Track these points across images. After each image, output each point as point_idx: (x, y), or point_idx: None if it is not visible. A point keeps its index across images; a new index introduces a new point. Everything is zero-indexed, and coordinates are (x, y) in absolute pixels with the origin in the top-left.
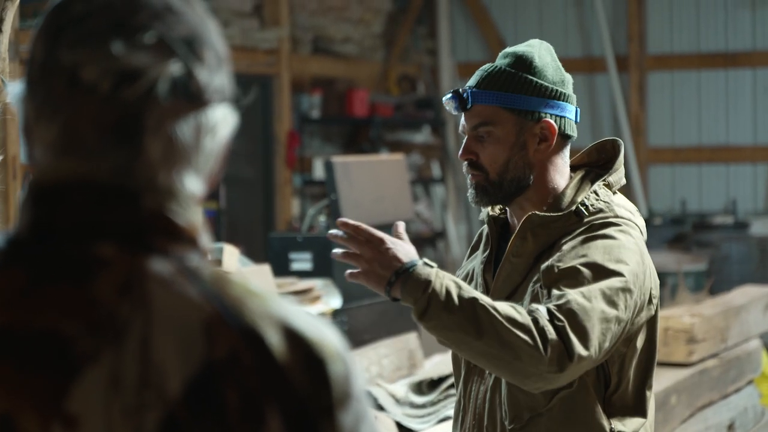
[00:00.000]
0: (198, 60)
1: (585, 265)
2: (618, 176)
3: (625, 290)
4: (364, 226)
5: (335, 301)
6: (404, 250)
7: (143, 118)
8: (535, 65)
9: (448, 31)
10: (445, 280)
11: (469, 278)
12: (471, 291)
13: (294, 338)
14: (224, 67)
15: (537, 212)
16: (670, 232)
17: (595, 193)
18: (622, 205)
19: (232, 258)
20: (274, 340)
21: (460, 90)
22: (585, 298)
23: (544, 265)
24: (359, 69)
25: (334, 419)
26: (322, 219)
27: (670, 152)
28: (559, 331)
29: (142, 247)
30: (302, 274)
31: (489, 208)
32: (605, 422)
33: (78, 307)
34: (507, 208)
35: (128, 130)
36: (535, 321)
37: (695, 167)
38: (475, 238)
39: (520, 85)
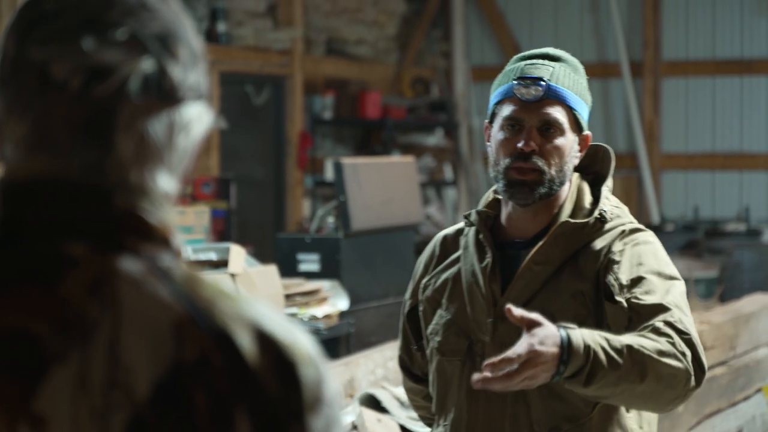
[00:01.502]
0: (171, 57)
1: (650, 273)
2: (611, 181)
3: (684, 292)
4: (511, 353)
5: (342, 303)
6: (549, 338)
7: (114, 115)
8: (585, 74)
9: (463, 35)
10: (595, 338)
11: (448, 290)
12: (616, 339)
13: (265, 341)
14: (199, 65)
15: (569, 219)
16: (682, 238)
17: (607, 198)
18: (626, 209)
19: (238, 258)
20: (245, 342)
21: (543, 80)
22: (680, 309)
23: (606, 279)
24: (372, 71)
25: (304, 423)
26: (330, 220)
27: (683, 158)
28: (690, 347)
29: (112, 247)
30: (310, 275)
31: (474, 213)
32: (636, 425)
33: (46, 307)
34: (502, 211)
35: (99, 127)
36: (673, 344)
37: (709, 174)
38: (430, 250)
39: (584, 93)
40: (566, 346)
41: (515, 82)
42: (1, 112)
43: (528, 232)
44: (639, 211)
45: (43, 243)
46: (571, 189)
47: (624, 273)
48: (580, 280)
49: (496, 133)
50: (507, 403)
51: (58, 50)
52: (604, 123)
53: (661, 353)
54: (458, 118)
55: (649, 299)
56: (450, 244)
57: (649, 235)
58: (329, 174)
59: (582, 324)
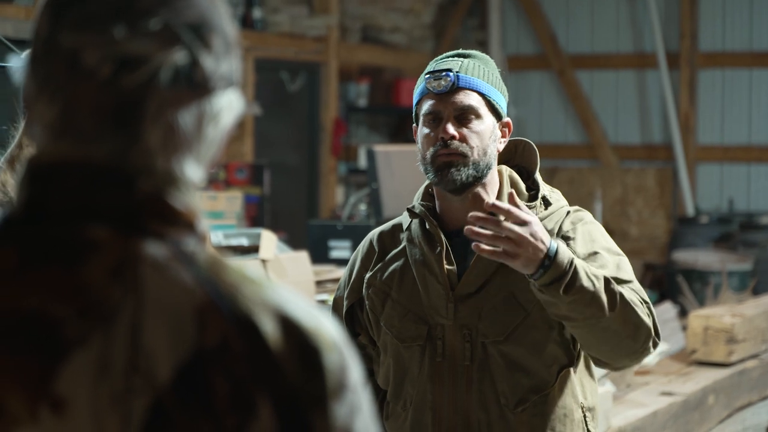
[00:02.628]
0: (204, 47)
1: (601, 249)
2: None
3: (630, 267)
4: (514, 209)
5: None
6: (541, 229)
7: (143, 105)
8: (497, 68)
9: (499, 24)
10: (577, 258)
11: (396, 281)
12: (598, 270)
13: (289, 326)
14: (233, 53)
15: (522, 202)
16: (716, 231)
17: (542, 183)
18: (560, 194)
19: (269, 244)
20: (268, 327)
21: (452, 72)
22: (635, 282)
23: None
24: (407, 59)
25: (327, 410)
26: (362, 207)
27: (719, 150)
28: (651, 313)
29: (136, 231)
30: (341, 262)
31: (419, 206)
32: (580, 394)
33: (68, 290)
34: (437, 203)
35: (127, 116)
36: (641, 302)
37: (744, 166)
38: (367, 247)
39: (497, 82)
40: (553, 254)
41: (427, 76)
42: (31, 91)
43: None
44: (673, 202)
45: (67, 225)
46: (504, 178)
47: (580, 248)
48: None
49: (421, 130)
50: (472, 380)
51: (89, 37)
52: (640, 114)
53: (632, 301)
54: None
55: (605, 273)
56: (387, 240)
57: (590, 215)
58: (363, 161)
59: None
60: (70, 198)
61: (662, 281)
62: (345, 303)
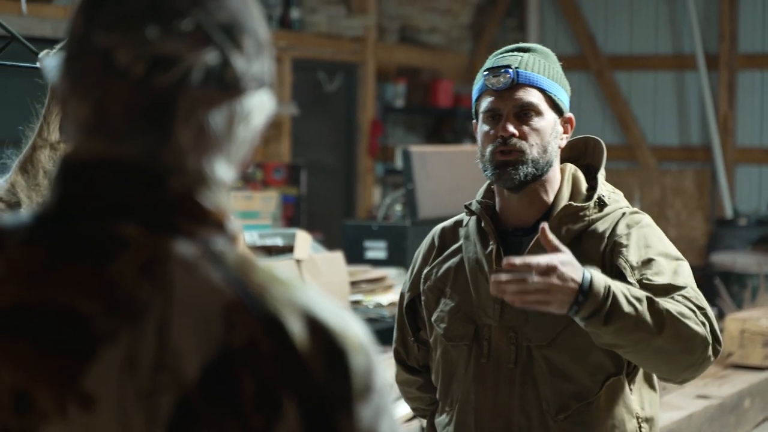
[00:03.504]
0: (236, 48)
1: (658, 254)
2: (603, 171)
3: (690, 272)
4: (532, 260)
5: None
6: (571, 264)
7: (175, 105)
8: (558, 62)
9: (538, 25)
10: (617, 284)
11: (451, 279)
12: (639, 291)
13: (316, 328)
14: (264, 54)
15: (572, 203)
16: (755, 233)
17: (603, 184)
18: (622, 195)
19: (304, 244)
20: (296, 328)
21: (510, 68)
22: (692, 288)
23: (617, 262)
24: (445, 60)
25: (353, 412)
26: (398, 208)
27: (758, 152)
28: (707, 319)
29: (166, 229)
30: (376, 263)
31: (475, 203)
32: (638, 406)
33: (97, 287)
34: (497, 201)
35: (159, 116)
36: (692, 311)
37: None
38: (429, 242)
39: (558, 77)
40: (587, 284)
41: (486, 74)
42: (64, 89)
43: (526, 221)
44: (712, 204)
45: (97, 223)
46: (566, 176)
47: (633, 255)
48: (585, 261)
49: (480, 127)
50: (515, 384)
51: (122, 37)
52: (678, 116)
53: (682, 314)
54: None
55: (660, 280)
56: (448, 235)
57: (649, 219)
58: (399, 162)
59: None
60: (101, 195)
61: (700, 284)
62: (406, 297)
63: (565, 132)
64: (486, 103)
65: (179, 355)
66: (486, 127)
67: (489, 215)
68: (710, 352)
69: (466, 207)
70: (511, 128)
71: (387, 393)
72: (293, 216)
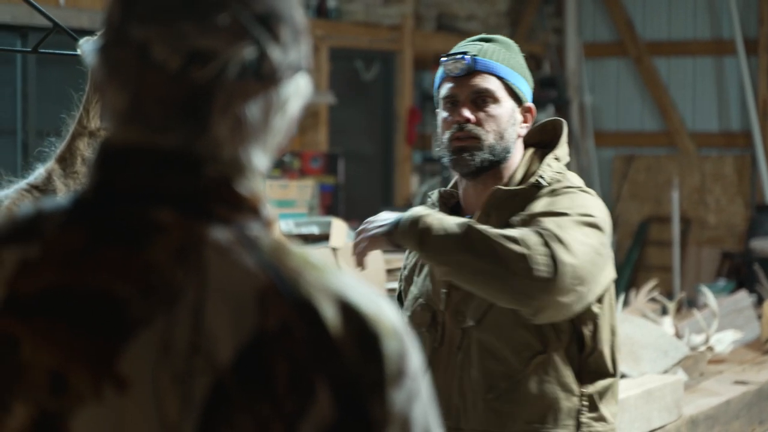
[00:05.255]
0: (273, 39)
1: (553, 212)
2: (563, 151)
3: (595, 226)
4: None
5: None
6: (384, 215)
7: (212, 98)
8: (520, 53)
9: (576, 11)
10: (436, 214)
11: (417, 267)
12: (463, 219)
13: (349, 312)
14: (301, 40)
15: (500, 187)
16: None
17: (549, 165)
18: (575, 177)
19: (340, 232)
20: (329, 313)
21: (468, 55)
22: (558, 225)
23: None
24: None
25: (385, 396)
26: (434, 196)
27: None
28: (544, 239)
29: (201, 214)
30: None
31: (437, 193)
32: (575, 385)
33: (133, 271)
34: (459, 190)
35: (196, 109)
36: (522, 235)
37: None
38: None
39: (519, 67)
40: (397, 220)
41: (444, 60)
42: (102, 77)
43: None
44: (752, 190)
45: (134, 208)
46: (522, 162)
47: (536, 209)
48: None
49: (440, 114)
50: (456, 368)
51: (158, 31)
52: (718, 101)
53: (503, 237)
54: (569, 95)
55: (533, 220)
56: None
57: (579, 191)
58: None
59: None
60: (138, 181)
61: (740, 270)
62: (399, 289)
63: (525, 121)
64: (445, 89)
65: (213, 339)
66: (444, 114)
67: (451, 204)
68: (540, 271)
69: (428, 197)
70: (467, 113)
71: (420, 378)
72: (331, 204)
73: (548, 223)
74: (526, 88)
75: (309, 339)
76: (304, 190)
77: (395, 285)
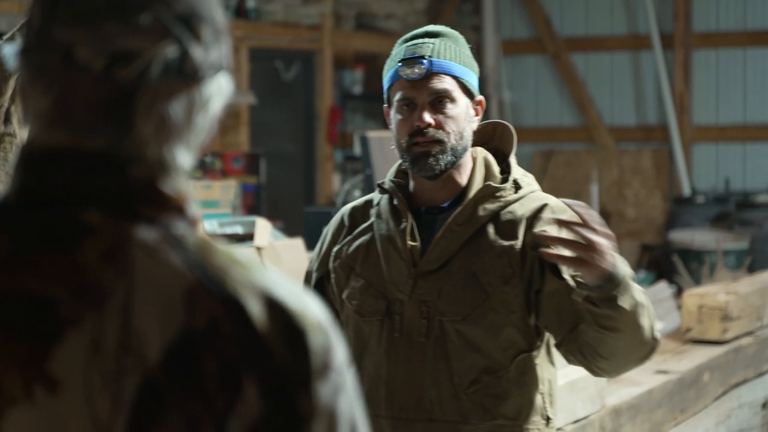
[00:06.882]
0: (194, 38)
1: None
2: (514, 156)
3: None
4: (590, 217)
5: None
6: (609, 246)
7: (136, 98)
8: (467, 43)
9: (494, 8)
10: (630, 282)
11: (362, 256)
12: (636, 285)
13: (275, 308)
14: (222, 39)
15: (491, 183)
16: (712, 210)
17: (515, 166)
18: (533, 178)
19: (264, 232)
20: (255, 309)
21: (425, 58)
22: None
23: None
24: None
25: (312, 390)
26: (357, 194)
27: (714, 131)
28: (650, 317)
29: (128, 215)
30: None
31: (389, 181)
32: (541, 381)
33: (63, 273)
34: (410, 181)
35: (120, 109)
36: (649, 315)
37: (740, 145)
38: (338, 221)
39: (468, 61)
40: (613, 267)
41: (399, 64)
42: (24, 78)
43: (440, 201)
44: (670, 183)
45: (61, 211)
46: (479, 160)
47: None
48: (503, 241)
49: (395, 116)
50: (427, 357)
51: (82, 33)
52: (635, 95)
53: (641, 305)
54: (488, 92)
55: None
56: (358, 215)
57: (564, 206)
58: (358, 148)
59: (507, 282)
60: (64, 184)
61: (659, 262)
62: (314, 276)
63: (477, 114)
64: (400, 91)
65: (142, 338)
66: (401, 116)
67: (402, 194)
68: (652, 346)
69: (379, 186)
70: (428, 118)
71: (345, 371)
72: (253, 205)
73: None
74: (475, 81)
75: (236, 335)
76: (227, 190)
77: None
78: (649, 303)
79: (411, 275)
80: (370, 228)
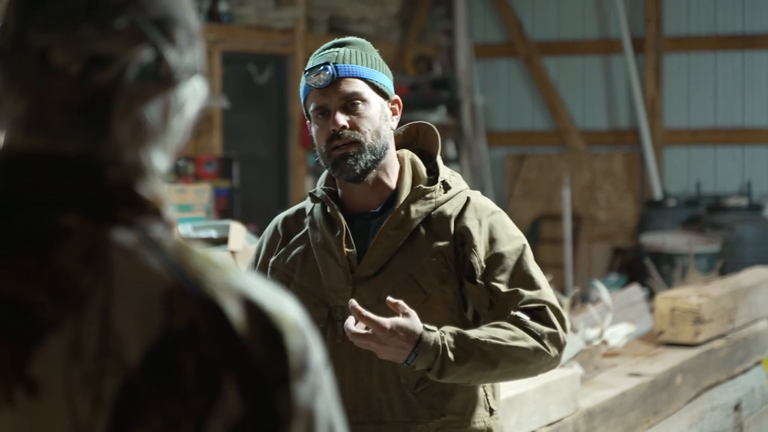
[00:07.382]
0: (169, 42)
1: (505, 248)
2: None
3: (526, 246)
4: (370, 316)
5: None
6: (406, 331)
7: (112, 101)
8: (375, 50)
9: (466, 12)
10: (446, 337)
11: (299, 265)
12: (470, 333)
13: (253, 310)
14: (195, 43)
15: (422, 186)
16: (684, 213)
17: (442, 166)
18: (460, 177)
19: (238, 235)
20: (233, 311)
21: (329, 64)
22: (531, 283)
23: (471, 259)
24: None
25: (290, 390)
26: (320, 194)
27: (685, 134)
28: (546, 323)
29: (106, 218)
30: None
31: (320, 190)
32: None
33: (42, 276)
34: (338, 188)
35: (97, 113)
36: (525, 328)
37: (711, 149)
38: (272, 232)
39: (378, 64)
40: (419, 343)
41: (306, 74)
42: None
43: (372, 205)
44: (641, 186)
45: (39, 214)
46: (406, 162)
47: (482, 251)
48: (437, 242)
49: (313, 127)
50: (372, 362)
51: (58, 37)
52: (606, 99)
53: (513, 339)
54: (461, 96)
55: (503, 287)
56: (292, 224)
57: (491, 203)
58: None
59: (445, 282)
60: (41, 188)
61: (631, 265)
62: (254, 266)
63: (395, 113)
64: (313, 101)
65: (122, 340)
66: (317, 126)
67: (334, 201)
68: (550, 353)
69: (311, 194)
70: (342, 120)
71: (323, 372)
72: (226, 208)
73: (529, 294)
74: (388, 82)
75: (215, 337)
76: (201, 194)
77: None
78: (514, 332)
79: (350, 282)
80: (305, 237)
